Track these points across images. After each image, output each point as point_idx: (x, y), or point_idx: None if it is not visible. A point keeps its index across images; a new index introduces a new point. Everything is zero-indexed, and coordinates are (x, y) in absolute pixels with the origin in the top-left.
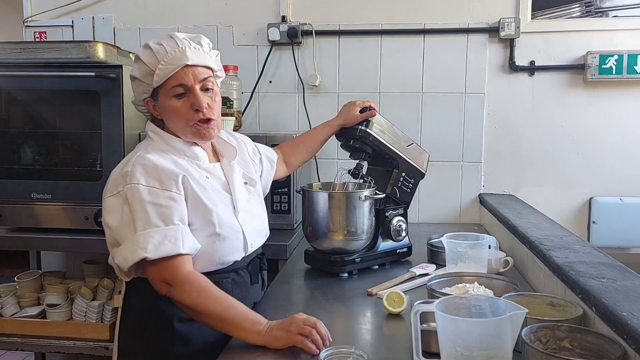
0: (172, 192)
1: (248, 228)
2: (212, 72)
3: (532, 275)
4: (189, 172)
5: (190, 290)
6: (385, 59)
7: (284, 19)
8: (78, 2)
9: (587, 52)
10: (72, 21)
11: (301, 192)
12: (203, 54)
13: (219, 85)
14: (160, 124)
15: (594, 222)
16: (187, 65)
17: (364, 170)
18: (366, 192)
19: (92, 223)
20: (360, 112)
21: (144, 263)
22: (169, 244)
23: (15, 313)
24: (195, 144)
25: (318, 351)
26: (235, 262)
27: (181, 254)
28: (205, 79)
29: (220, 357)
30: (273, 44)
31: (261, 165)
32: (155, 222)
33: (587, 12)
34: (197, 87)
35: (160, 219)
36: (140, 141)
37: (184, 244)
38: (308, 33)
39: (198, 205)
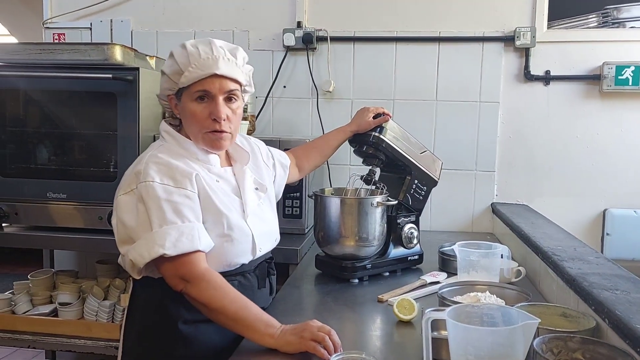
0: (186, 190)
1: (257, 232)
2: (240, 86)
3: (545, 285)
4: (199, 173)
5: (207, 287)
6: (399, 66)
7: (299, 24)
8: (97, 5)
9: (603, 63)
10: (91, 24)
11: (313, 197)
12: (235, 67)
13: (245, 99)
14: (178, 123)
15: (607, 234)
16: (216, 75)
17: (377, 177)
18: (378, 199)
19: (105, 223)
20: (374, 118)
21: (159, 260)
22: (186, 241)
23: (28, 311)
24: (208, 151)
25: (329, 357)
26: (243, 265)
27: (198, 251)
28: (230, 90)
29: (231, 359)
30: (288, 49)
31: (274, 171)
32: (171, 219)
33: (603, 22)
34: (221, 97)
35: (176, 216)
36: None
37: (201, 241)
38: (323, 39)
39: (209, 205)
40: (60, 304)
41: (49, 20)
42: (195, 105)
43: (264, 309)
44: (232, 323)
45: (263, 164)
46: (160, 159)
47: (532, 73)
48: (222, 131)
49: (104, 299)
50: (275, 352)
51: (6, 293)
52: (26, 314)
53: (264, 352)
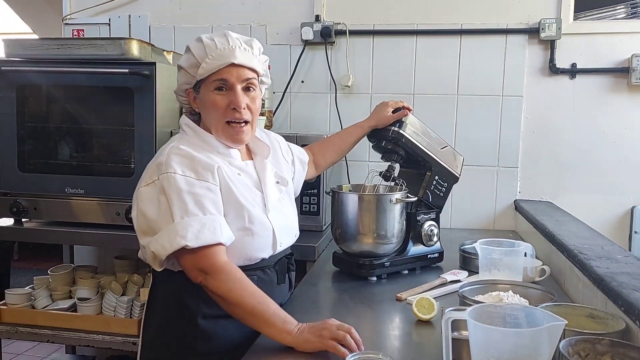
0: (208, 182)
1: (278, 226)
2: (257, 75)
3: (570, 285)
4: (221, 166)
5: (226, 280)
6: (420, 60)
7: (317, 18)
8: (115, 1)
9: (632, 55)
10: (109, 19)
11: (331, 194)
12: (251, 56)
13: (263, 91)
14: (197, 119)
15: (635, 232)
16: (233, 64)
17: (396, 173)
18: (397, 195)
19: (123, 219)
20: (393, 112)
21: (179, 251)
22: (208, 233)
23: (48, 305)
24: (229, 146)
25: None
26: (263, 259)
27: (220, 243)
28: (248, 79)
29: (247, 355)
30: (306, 43)
31: (293, 167)
32: (193, 211)
33: (632, 13)
34: (239, 86)
35: (198, 208)
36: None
37: (223, 233)
38: (342, 33)
39: (230, 198)
40: (79, 299)
41: (68, 17)
42: (215, 96)
43: (281, 304)
44: (250, 317)
45: (283, 159)
46: (182, 151)
47: (557, 66)
48: (242, 121)
49: (122, 295)
50: (291, 349)
51: (26, 288)
52: (46, 308)
53: (280, 349)
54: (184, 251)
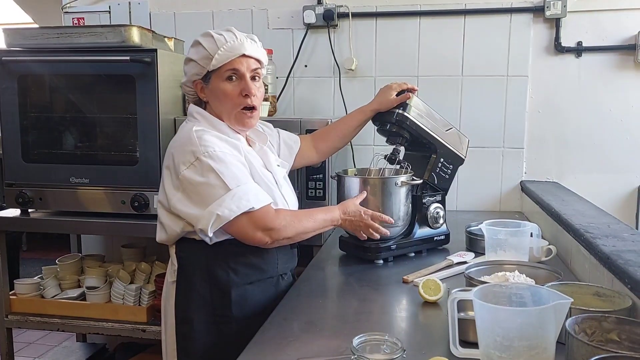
0: (240, 157)
1: (290, 200)
2: (261, 65)
3: (577, 264)
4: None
5: (286, 225)
6: (424, 41)
7: (319, 1)
8: None
9: (638, 32)
10: (109, 6)
11: (336, 178)
12: (257, 48)
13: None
14: (203, 107)
15: None
16: (244, 55)
17: (401, 156)
18: (403, 178)
19: (129, 207)
20: (397, 95)
21: (237, 219)
22: (262, 195)
23: (57, 295)
24: (236, 132)
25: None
26: None
27: (269, 203)
28: (255, 69)
29: (272, 315)
30: (308, 27)
31: (279, 150)
32: (244, 179)
33: None
34: (248, 75)
35: (244, 177)
36: (175, 126)
37: (266, 195)
38: (344, 15)
39: (254, 177)
40: (87, 287)
41: (68, 5)
42: (226, 85)
43: (293, 268)
44: (314, 232)
45: (270, 144)
46: (209, 132)
47: (562, 44)
48: (252, 107)
49: (130, 283)
50: (312, 307)
51: (35, 278)
52: (55, 297)
53: (300, 309)
54: (242, 217)
